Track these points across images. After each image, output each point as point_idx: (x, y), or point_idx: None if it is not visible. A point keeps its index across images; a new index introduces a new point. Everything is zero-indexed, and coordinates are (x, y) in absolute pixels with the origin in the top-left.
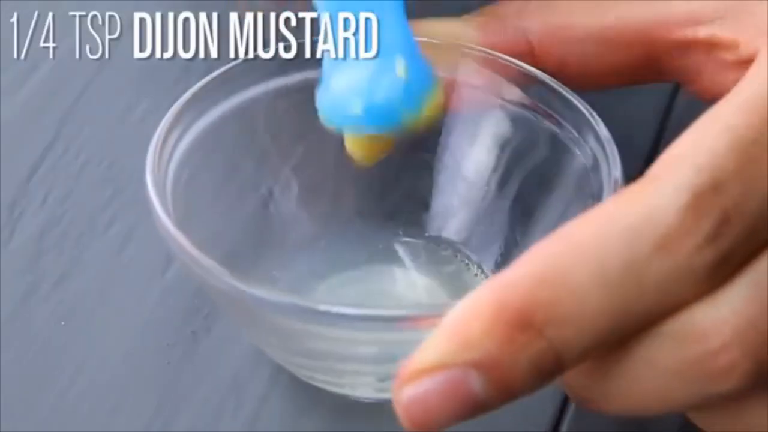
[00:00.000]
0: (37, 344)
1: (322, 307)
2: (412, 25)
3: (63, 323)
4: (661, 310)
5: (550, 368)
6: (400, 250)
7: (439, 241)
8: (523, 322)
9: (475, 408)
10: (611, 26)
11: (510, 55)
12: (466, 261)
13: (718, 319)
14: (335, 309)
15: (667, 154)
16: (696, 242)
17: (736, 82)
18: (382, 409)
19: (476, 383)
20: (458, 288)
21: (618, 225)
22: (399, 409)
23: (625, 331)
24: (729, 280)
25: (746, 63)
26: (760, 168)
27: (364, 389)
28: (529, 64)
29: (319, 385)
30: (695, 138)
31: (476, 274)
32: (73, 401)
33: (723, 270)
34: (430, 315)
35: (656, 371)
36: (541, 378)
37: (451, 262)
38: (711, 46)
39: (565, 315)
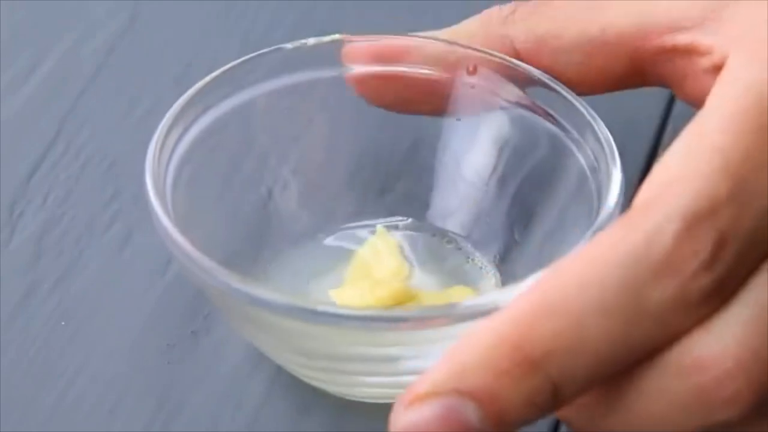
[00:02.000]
0: (37, 344)
1: (321, 308)
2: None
3: (63, 323)
4: (662, 338)
5: (546, 402)
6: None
7: (439, 238)
8: (521, 356)
9: None
10: (596, 36)
11: None
12: (468, 256)
13: (718, 347)
14: (334, 309)
15: (656, 178)
16: (693, 268)
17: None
18: (381, 409)
19: (472, 413)
20: (458, 284)
21: (615, 254)
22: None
23: (626, 361)
24: (727, 304)
25: (720, 69)
26: (752, 186)
27: (363, 389)
28: None
29: (319, 385)
30: (683, 161)
31: (481, 267)
32: (73, 401)
33: (721, 294)
34: (429, 316)
35: (658, 403)
36: (537, 411)
37: (452, 259)
38: (690, 52)
39: (565, 346)
